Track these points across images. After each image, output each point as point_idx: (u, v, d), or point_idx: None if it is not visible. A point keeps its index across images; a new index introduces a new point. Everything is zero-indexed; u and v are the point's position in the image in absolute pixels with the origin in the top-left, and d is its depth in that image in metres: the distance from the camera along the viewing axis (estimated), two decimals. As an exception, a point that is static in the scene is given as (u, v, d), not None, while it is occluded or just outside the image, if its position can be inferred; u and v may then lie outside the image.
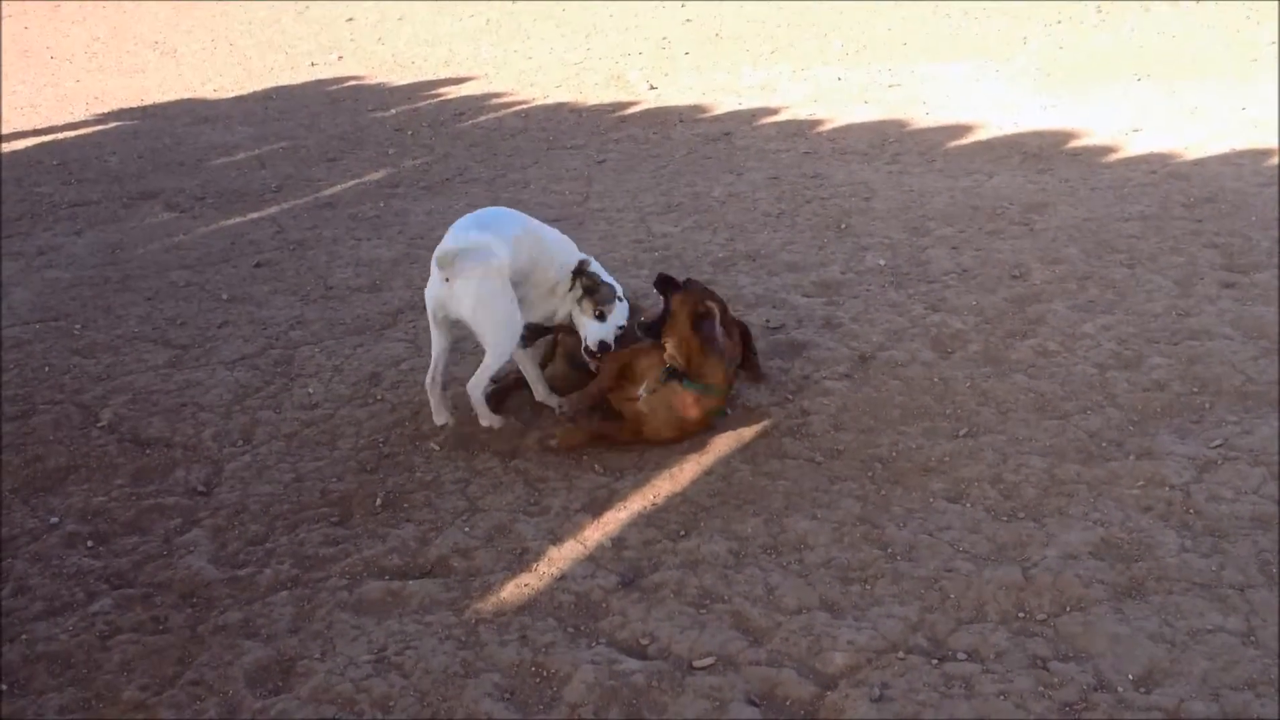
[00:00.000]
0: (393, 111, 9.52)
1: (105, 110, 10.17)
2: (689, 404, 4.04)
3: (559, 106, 9.28)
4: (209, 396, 4.66)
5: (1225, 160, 6.65)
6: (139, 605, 3.42)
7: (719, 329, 4.05)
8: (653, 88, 9.65)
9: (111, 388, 4.79)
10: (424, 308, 5.29)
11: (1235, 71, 8.58)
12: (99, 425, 4.50)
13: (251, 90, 10.71)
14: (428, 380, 4.23)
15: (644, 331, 4.18)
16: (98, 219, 7.07)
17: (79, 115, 10.03)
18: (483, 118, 9.08)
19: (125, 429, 4.46)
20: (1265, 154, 6.70)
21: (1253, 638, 2.98)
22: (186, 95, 10.65)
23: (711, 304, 4.09)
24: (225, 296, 5.68)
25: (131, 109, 10.18)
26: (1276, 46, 9.15)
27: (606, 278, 4.29)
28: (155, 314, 5.52)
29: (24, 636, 3.31)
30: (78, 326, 5.40)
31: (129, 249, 6.49)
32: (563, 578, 3.43)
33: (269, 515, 3.84)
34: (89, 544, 3.74)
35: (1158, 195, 6.17)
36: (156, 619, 3.36)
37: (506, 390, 4.50)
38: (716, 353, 4.03)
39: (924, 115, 8.20)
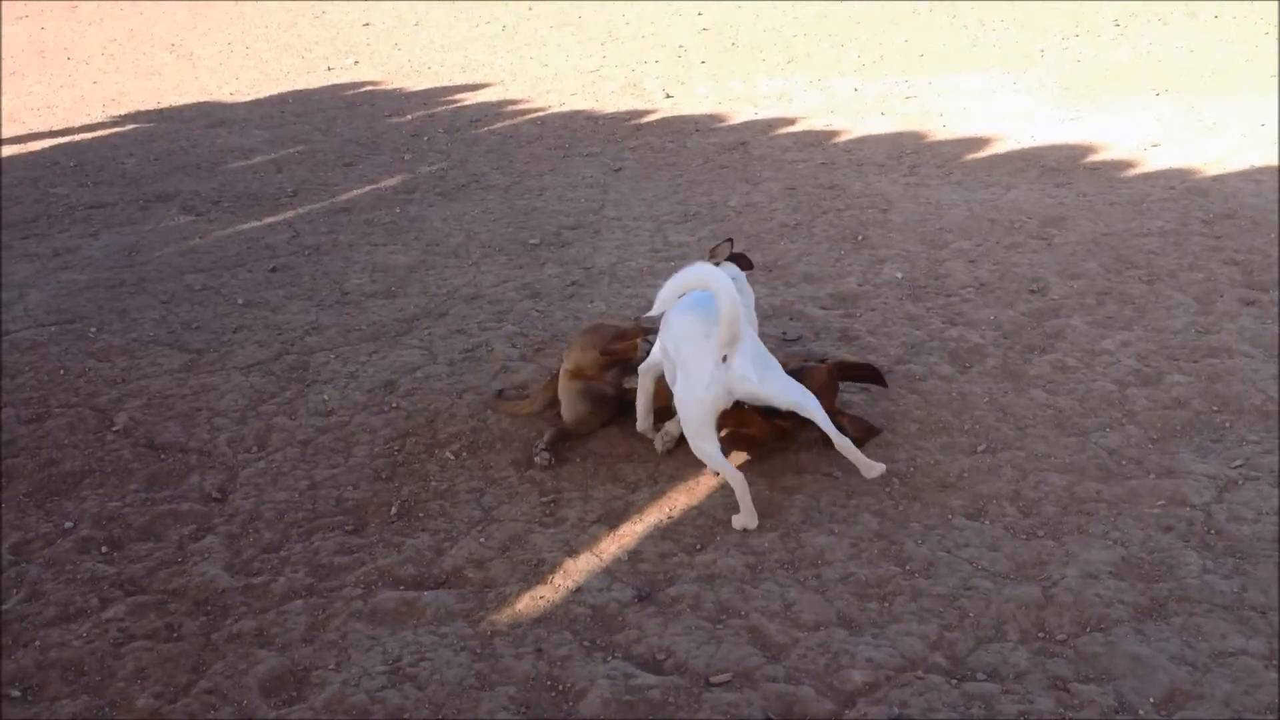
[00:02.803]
0: (409, 117, 9.52)
1: (122, 112, 10.19)
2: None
3: (575, 114, 9.27)
4: (224, 402, 4.65)
5: (1244, 176, 6.62)
6: (153, 612, 3.41)
7: None
8: (669, 96, 9.64)
9: (126, 391, 4.78)
10: (439, 313, 5.32)
11: (1254, 86, 8.54)
12: (114, 429, 4.49)
13: (268, 94, 10.72)
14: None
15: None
16: (114, 221, 7.08)
17: (95, 117, 10.05)
18: (499, 124, 9.07)
19: (140, 433, 4.45)
20: (1285, 170, 6.67)
21: (1275, 661, 2.96)
22: (203, 98, 10.66)
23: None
24: (240, 301, 5.68)
25: (148, 111, 10.19)
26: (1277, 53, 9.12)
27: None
28: (170, 318, 5.51)
29: (36, 643, 3.30)
30: (93, 329, 5.40)
31: (145, 252, 6.49)
32: (578, 590, 3.41)
33: (284, 523, 3.83)
34: (103, 549, 3.73)
35: (1177, 211, 6.14)
36: (170, 626, 3.35)
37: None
38: None
39: (941, 127, 8.18)
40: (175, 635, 3.32)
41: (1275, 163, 6.80)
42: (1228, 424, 4.08)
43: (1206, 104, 8.20)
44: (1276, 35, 10.00)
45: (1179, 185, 6.56)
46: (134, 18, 15.85)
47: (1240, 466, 3.80)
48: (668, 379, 3.85)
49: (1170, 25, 10.90)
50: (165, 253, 6.45)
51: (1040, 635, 3.11)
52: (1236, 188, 6.43)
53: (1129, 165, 7.03)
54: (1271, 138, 7.27)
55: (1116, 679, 2.93)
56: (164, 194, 7.57)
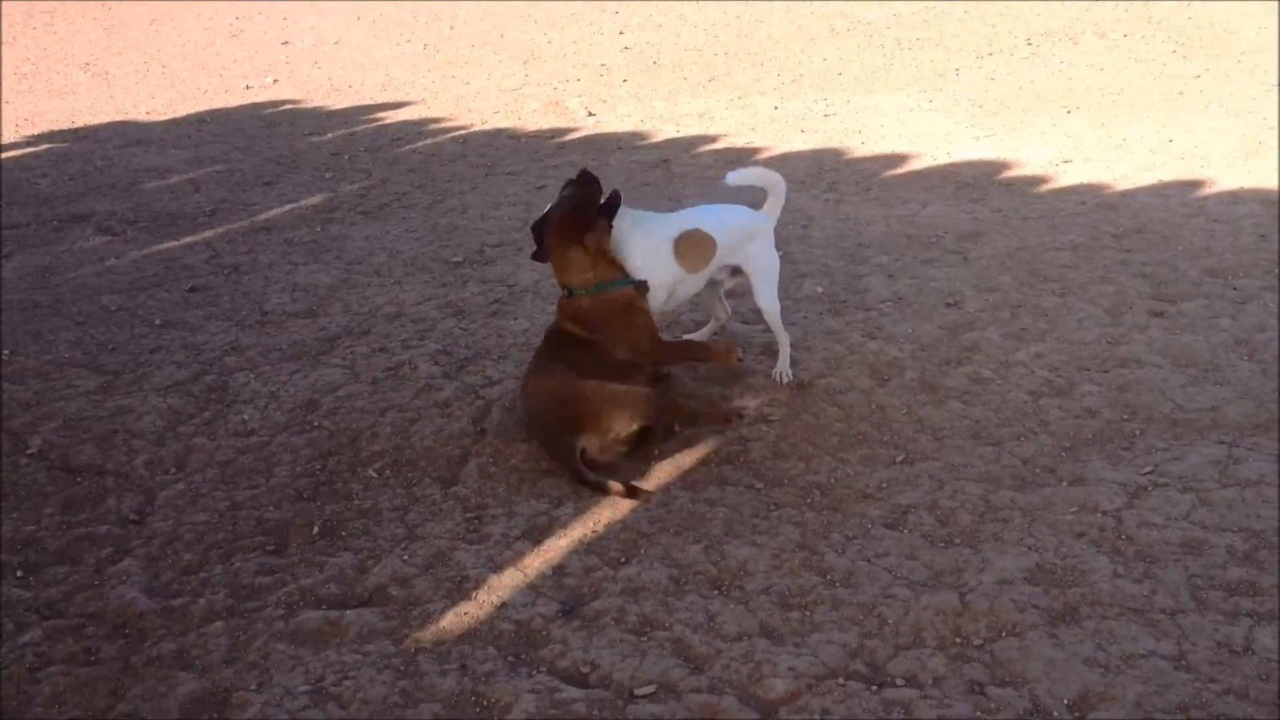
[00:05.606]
0: (329, 136, 9.46)
1: (35, 132, 10.02)
2: None
3: (498, 132, 9.28)
4: (141, 423, 4.59)
5: (1153, 191, 6.79)
6: (70, 636, 3.36)
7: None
8: (591, 114, 9.68)
9: (41, 414, 4.70)
10: (361, 332, 5.30)
11: (1162, 104, 8.77)
12: (28, 453, 4.42)
13: (185, 113, 10.60)
14: None
15: None
16: (27, 242, 6.96)
17: (9, 137, 9.87)
18: (421, 143, 9.06)
19: (55, 456, 4.38)
20: (1191, 185, 6.85)
21: (1184, 662, 3.04)
22: (118, 118, 10.51)
23: None
24: (158, 322, 5.61)
25: (62, 131, 10.03)
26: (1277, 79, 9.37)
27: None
28: (86, 339, 5.43)
29: (-50, 669, 3.24)
30: (6, 352, 5.30)
31: (60, 273, 6.39)
32: (503, 606, 3.42)
33: (203, 544, 3.79)
34: (18, 574, 3.67)
35: (1088, 225, 6.29)
36: (88, 650, 3.30)
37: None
38: None
39: (860, 145, 8.30)
40: (93, 659, 3.27)
41: (1182, 178, 6.98)
42: (1137, 432, 4.18)
43: (1116, 121, 8.40)
44: (1275, 44, 10.28)
45: (1090, 200, 6.72)
46: (48, 37, 15.59)
47: (1150, 473, 3.90)
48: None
49: (1081, 44, 11.16)
50: (81, 274, 6.36)
51: (957, 641, 3.17)
52: (1145, 203, 6.60)
53: (1042, 181, 7.18)
54: (1179, 154, 7.47)
55: (1031, 682, 2.99)
56: (79, 214, 7.46)
